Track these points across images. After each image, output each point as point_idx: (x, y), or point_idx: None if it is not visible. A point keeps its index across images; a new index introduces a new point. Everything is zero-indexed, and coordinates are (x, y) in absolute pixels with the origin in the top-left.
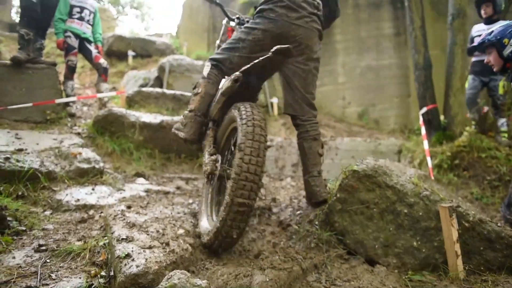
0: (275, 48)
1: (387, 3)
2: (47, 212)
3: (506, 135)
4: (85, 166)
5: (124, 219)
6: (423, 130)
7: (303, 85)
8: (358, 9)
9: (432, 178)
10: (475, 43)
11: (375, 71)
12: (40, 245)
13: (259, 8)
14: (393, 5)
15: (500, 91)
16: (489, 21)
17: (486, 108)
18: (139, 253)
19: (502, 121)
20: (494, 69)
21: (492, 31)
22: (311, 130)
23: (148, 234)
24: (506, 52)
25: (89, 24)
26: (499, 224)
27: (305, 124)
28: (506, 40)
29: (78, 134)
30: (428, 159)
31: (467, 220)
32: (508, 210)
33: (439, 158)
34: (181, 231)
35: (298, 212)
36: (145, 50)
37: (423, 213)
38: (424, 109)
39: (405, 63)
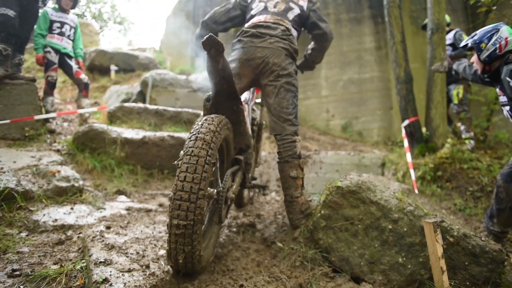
0: (201, 43)
1: (367, 18)
2: (23, 234)
3: (468, 141)
4: (64, 184)
5: (103, 240)
6: (406, 143)
7: (277, 100)
8: (340, 24)
9: (416, 191)
10: (461, 44)
11: (358, 84)
12: (13, 270)
13: (232, 42)
14: (373, 19)
15: (455, 100)
16: None
17: (458, 125)
18: (117, 277)
19: (462, 128)
20: (478, 71)
21: (476, 34)
22: (284, 151)
23: (127, 256)
24: (483, 56)
25: (70, 39)
26: (483, 238)
27: (280, 144)
28: (483, 44)
29: (58, 151)
30: (412, 171)
31: (452, 235)
32: (491, 221)
33: (422, 170)
34: (162, 251)
35: (283, 228)
36: (128, 64)
37: (408, 229)
38: (406, 122)
39: (386, 76)
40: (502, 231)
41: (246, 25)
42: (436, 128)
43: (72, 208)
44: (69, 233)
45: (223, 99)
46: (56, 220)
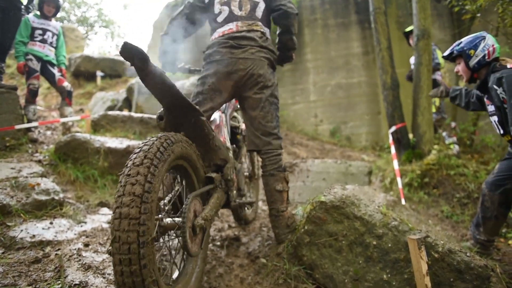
0: (119, 53)
1: (355, 23)
2: None
3: (452, 146)
4: (44, 198)
5: (80, 260)
6: (393, 149)
7: (262, 114)
8: (327, 29)
9: (403, 200)
10: (445, 53)
11: (346, 89)
12: None
13: (205, 54)
14: (360, 25)
15: (433, 109)
16: None
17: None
18: None
19: (443, 134)
20: (464, 79)
21: (461, 42)
22: (269, 165)
23: (104, 278)
24: (472, 63)
25: (52, 46)
26: (468, 254)
27: (264, 157)
28: (472, 51)
29: (39, 161)
30: (398, 179)
31: (437, 251)
32: (477, 230)
33: (409, 177)
34: None
35: (267, 242)
36: (114, 70)
37: (392, 245)
38: (393, 128)
39: (374, 81)
40: (489, 240)
41: (216, 35)
42: (423, 134)
43: (51, 223)
44: (47, 249)
45: (178, 114)
46: (34, 236)
